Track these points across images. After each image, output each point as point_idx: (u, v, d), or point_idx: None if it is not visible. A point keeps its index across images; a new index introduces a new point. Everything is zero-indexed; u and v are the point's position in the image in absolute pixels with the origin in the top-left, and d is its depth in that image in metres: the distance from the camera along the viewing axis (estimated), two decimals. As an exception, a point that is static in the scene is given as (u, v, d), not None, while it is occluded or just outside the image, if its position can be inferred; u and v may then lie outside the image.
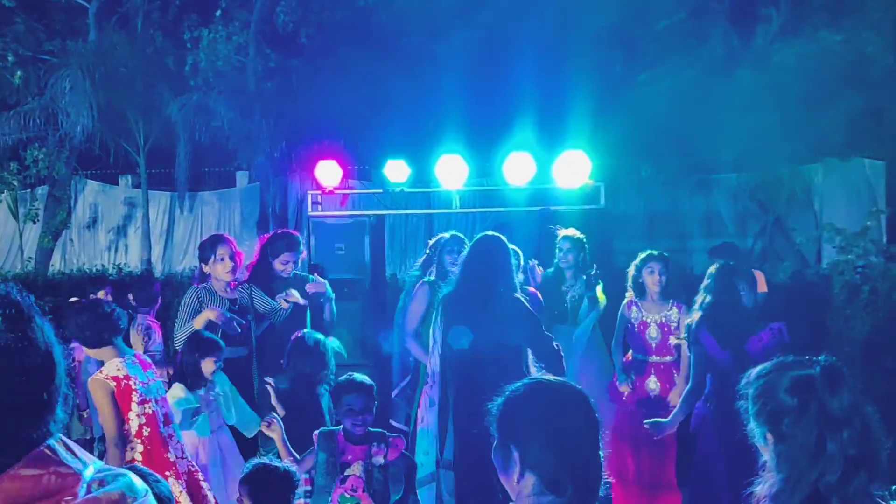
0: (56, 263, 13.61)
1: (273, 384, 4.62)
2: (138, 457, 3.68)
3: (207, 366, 4.39)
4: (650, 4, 10.41)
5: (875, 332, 7.52)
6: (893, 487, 1.99)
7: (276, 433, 4.01)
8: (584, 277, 5.87)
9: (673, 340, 5.29)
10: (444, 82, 10.18)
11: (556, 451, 1.78)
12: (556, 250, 6.06)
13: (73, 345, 4.25)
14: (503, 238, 4.50)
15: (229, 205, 13.67)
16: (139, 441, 3.71)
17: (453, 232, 5.60)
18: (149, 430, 3.73)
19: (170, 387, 4.40)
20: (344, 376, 3.97)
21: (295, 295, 5.12)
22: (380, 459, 3.83)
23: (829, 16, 9.71)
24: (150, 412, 3.78)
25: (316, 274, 5.90)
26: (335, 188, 7.53)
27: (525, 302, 4.43)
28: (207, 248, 5.06)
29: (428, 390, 4.87)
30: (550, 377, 1.99)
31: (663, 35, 10.32)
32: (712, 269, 4.89)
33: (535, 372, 4.10)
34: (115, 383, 3.69)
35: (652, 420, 4.76)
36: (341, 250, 7.59)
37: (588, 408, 1.87)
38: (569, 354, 5.03)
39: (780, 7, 10.34)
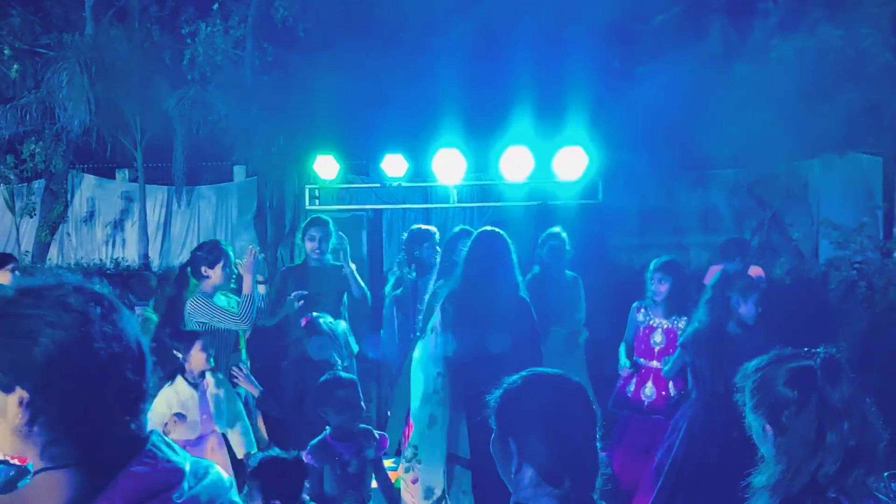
0: (53, 257, 13.59)
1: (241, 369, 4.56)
2: None
3: (197, 358, 4.28)
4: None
5: (872, 328, 7.53)
6: (886, 474, 1.99)
7: (240, 376, 4.11)
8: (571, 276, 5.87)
9: None
10: (441, 77, 10.16)
11: (553, 442, 1.79)
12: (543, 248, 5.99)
13: None
14: (503, 233, 4.48)
15: (226, 199, 13.66)
16: None
17: (419, 225, 5.58)
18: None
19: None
20: (328, 375, 3.96)
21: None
22: (371, 453, 3.85)
23: (827, 11, 9.70)
24: None
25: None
26: (333, 183, 7.54)
27: (529, 304, 4.44)
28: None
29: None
30: (548, 370, 2.00)
31: (661, 30, 10.32)
32: (711, 280, 4.88)
33: None
34: None
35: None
36: (338, 245, 7.61)
37: (586, 400, 1.88)
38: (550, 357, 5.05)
39: (778, 2, 10.33)
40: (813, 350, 2.08)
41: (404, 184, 7.54)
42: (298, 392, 4.31)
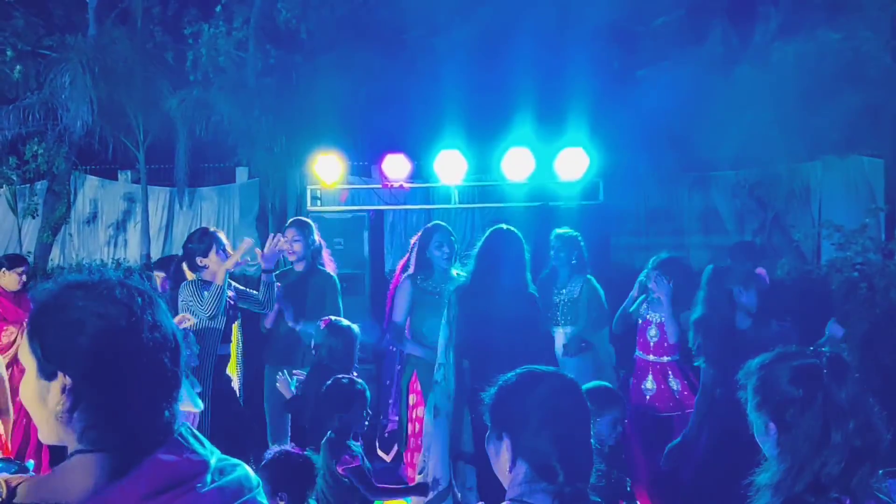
0: (55, 258, 13.60)
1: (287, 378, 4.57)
2: None
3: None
4: (648, 1, 10.42)
5: (873, 329, 7.53)
6: (881, 472, 2.00)
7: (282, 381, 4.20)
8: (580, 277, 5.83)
9: None
10: (443, 78, 10.19)
11: (547, 438, 1.81)
12: (550, 249, 6.00)
13: None
14: (516, 231, 4.53)
15: (229, 200, 13.68)
16: None
17: (437, 222, 5.54)
18: None
19: None
20: (345, 380, 3.99)
21: None
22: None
23: (827, 14, 9.72)
24: None
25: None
26: (335, 183, 7.56)
27: (537, 300, 4.49)
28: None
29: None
30: (542, 367, 2.02)
31: (662, 32, 10.34)
32: (704, 276, 4.89)
33: None
34: None
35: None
36: (340, 245, 7.61)
37: (579, 396, 1.91)
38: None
39: (778, 5, 10.35)
40: (818, 349, 2.08)
41: (406, 185, 7.55)
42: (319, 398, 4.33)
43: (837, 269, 8.36)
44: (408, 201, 8.20)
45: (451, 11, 10.92)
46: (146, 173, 13.08)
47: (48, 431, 1.37)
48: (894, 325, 7.27)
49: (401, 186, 7.62)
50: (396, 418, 5.53)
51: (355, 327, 4.63)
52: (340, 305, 5.57)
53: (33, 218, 13.37)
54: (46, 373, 1.35)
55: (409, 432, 5.09)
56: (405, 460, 5.20)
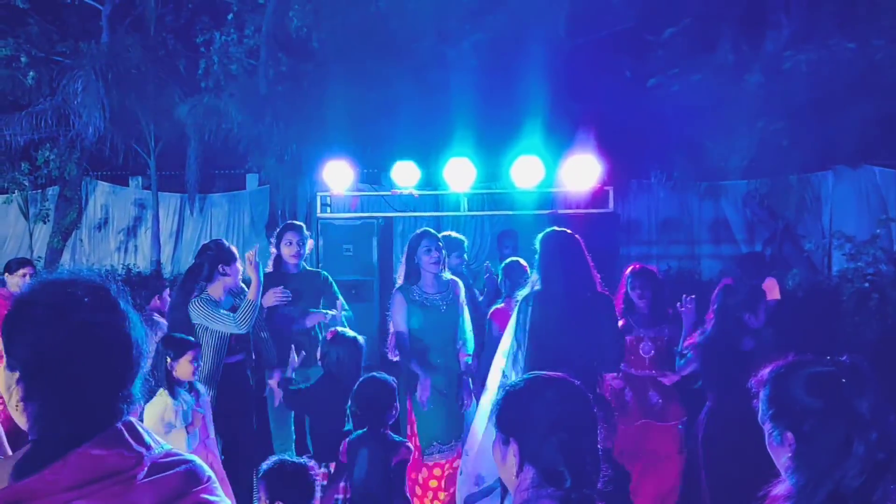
0: (66, 263, 13.65)
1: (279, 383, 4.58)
2: None
3: (184, 367, 4.16)
4: (659, 9, 10.40)
5: (884, 340, 7.49)
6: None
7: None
8: None
9: None
10: (453, 86, 10.20)
11: (555, 443, 1.79)
12: None
13: None
14: (573, 234, 4.55)
15: (239, 207, 13.72)
16: None
17: (425, 228, 5.53)
18: None
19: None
20: (380, 376, 4.04)
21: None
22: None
23: (840, 23, 9.68)
24: None
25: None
26: (344, 190, 7.56)
27: (611, 301, 4.57)
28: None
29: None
30: (550, 373, 2.00)
31: (672, 40, 10.31)
32: (716, 293, 4.89)
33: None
34: None
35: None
36: (350, 252, 7.64)
37: (586, 401, 1.89)
38: None
39: (790, 14, 10.32)
40: (835, 357, 2.01)
41: (415, 192, 7.56)
42: (330, 407, 4.33)
43: (848, 279, 8.33)
44: (417, 209, 8.19)
45: (462, 20, 10.93)
46: (157, 179, 13.14)
47: (18, 420, 1.43)
48: (906, 335, 7.23)
49: (410, 194, 7.62)
50: None
51: (361, 339, 4.62)
52: (339, 295, 5.58)
53: (44, 223, 13.45)
54: (10, 365, 1.43)
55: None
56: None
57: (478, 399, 5.24)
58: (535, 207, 7.58)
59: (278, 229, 5.76)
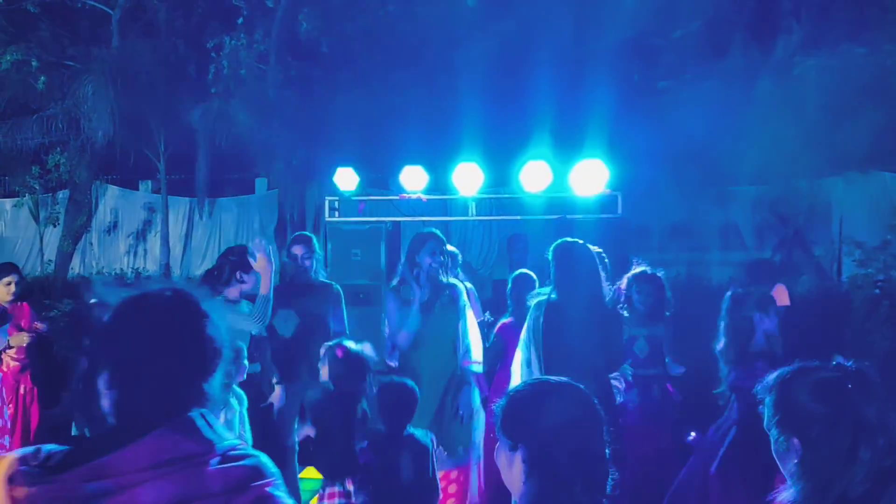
0: (76, 267, 13.73)
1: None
2: None
3: None
4: (669, 14, 10.38)
5: (895, 347, 7.43)
6: None
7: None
8: None
9: None
10: (461, 90, 10.21)
11: (562, 449, 1.78)
12: None
13: None
14: (587, 245, 4.55)
15: (248, 211, 13.76)
16: None
17: (431, 229, 5.33)
18: None
19: None
20: (399, 380, 4.09)
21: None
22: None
23: (851, 28, 9.63)
24: None
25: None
26: (352, 195, 7.58)
27: (619, 316, 4.63)
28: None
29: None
30: (552, 377, 1.99)
31: (681, 45, 10.29)
32: (724, 305, 4.87)
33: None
34: None
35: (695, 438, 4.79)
36: (358, 256, 7.63)
37: (591, 405, 1.88)
38: None
39: (801, 19, 10.28)
40: (840, 363, 2.01)
41: (423, 196, 7.55)
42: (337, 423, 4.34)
43: (858, 286, 8.27)
44: (425, 213, 8.19)
45: (470, 25, 10.95)
46: (166, 184, 13.18)
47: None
48: (917, 343, 7.18)
49: (418, 198, 7.62)
50: None
51: (367, 351, 4.59)
52: (345, 313, 5.54)
53: (55, 227, 13.52)
54: (97, 358, 1.62)
55: None
56: None
57: (485, 409, 5.20)
58: (543, 212, 7.55)
59: (288, 241, 5.75)
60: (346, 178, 7.78)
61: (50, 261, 13.36)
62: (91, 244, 14.10)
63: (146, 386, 1.54)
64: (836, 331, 7.56)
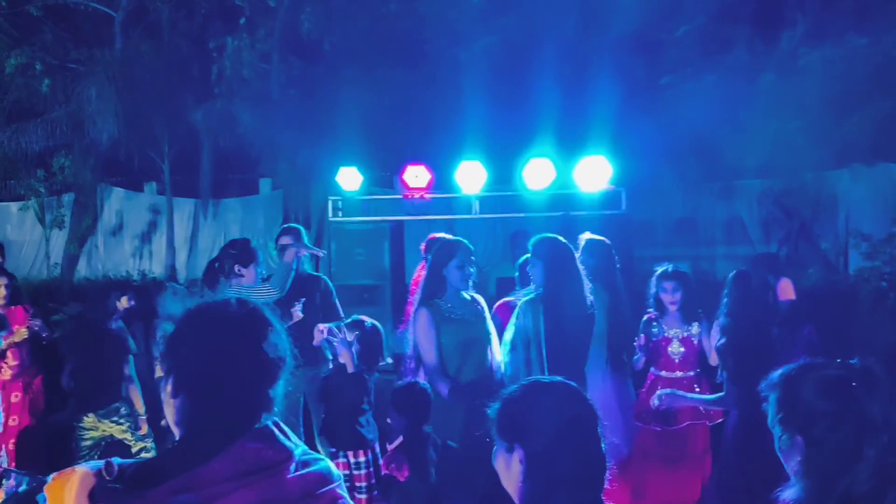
0: (82, 269, 13.76)
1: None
2: None
3: None
4: (672, 8, 10.35)
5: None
6: None
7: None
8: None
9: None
10: (464, 88, 10.20)
11: (559, 446, 1.78)
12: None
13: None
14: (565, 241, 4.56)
15: (252, 212, 13.76)
16: None
17: (459, 239, 4.89)
18: None
19: None
20: (419, 384, 4.11)
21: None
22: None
23: (855, 19, 9.58)
24: None
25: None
26: (356, 194, 7.58)
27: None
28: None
29: None
30: (545, 377, 1.99)
31: (685, 40, 10.25)
32: (728, 279, 4.82)
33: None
34: None
35: (667, 391, 4.74)
36: (362, 256, 7.64)
37: (585, 403, 1.88)
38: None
39: (805, 11, 10.24)
40: (845, 360, 2.00)
41: (427, 195, 7.55)
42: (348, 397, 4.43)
43: (865, 278, 8.24)
44: (429, 212, 8.18)
45: (473, 22, 10.93)
46: (171, 185, 13.20)
47: (168, 414, 1.63)
48: (925, 335, 7.14)
49: (422, 197, 7.61)
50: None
51: (379, 326, 4.64)
52: (337, 303, 5.60)
53: (60, 229, 13.54)
54: (166, 369, 1.64)
55: None
56: None
57: None
58: (547, 209, 7.54)
59: (277, 233, 5.84)
60: (349, 178, 7.78)
61: (56, 264, 13.40)
62: (97, 247, 14.12)
63: (219, 396, 1.56)
64: (842, 324, 7.52)
